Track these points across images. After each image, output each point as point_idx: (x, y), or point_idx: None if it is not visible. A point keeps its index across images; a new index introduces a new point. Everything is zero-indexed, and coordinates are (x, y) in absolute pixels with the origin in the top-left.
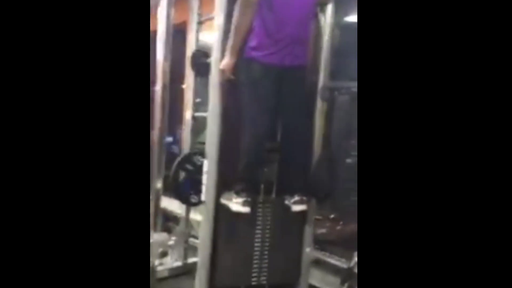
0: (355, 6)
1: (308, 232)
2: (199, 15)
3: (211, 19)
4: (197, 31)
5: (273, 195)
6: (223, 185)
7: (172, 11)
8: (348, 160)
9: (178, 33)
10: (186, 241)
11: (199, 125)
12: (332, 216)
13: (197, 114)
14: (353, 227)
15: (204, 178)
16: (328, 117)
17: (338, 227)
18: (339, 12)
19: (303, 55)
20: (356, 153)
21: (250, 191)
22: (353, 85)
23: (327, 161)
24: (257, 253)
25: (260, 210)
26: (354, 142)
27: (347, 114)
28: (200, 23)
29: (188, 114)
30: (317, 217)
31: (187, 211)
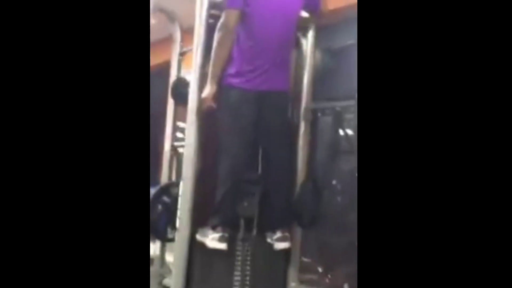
0: (336, 30)
1: (293, 269)
2: (181, 46)
3: (191, 50)
4: (179, 62)
5: (254, 232)
6: (199, 220)
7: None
8: (334, 182)
9: (161, 73)
10: (160, 283)
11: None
12: (320, 270)
13: (176, 143)
14: (342, 280)
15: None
16: (311, 139)
17: (327, 280)
18: (321, 35)
19: (284, 80)
20: (339, 175)
21: (227, 225)
22: (336, 105)
23: (312, 184)
24: None
25: (239, 248)
26: (338, 163)
27: (331, 135)
28: (182, 54)
29: (167, 144)
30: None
31: (162, 250)
